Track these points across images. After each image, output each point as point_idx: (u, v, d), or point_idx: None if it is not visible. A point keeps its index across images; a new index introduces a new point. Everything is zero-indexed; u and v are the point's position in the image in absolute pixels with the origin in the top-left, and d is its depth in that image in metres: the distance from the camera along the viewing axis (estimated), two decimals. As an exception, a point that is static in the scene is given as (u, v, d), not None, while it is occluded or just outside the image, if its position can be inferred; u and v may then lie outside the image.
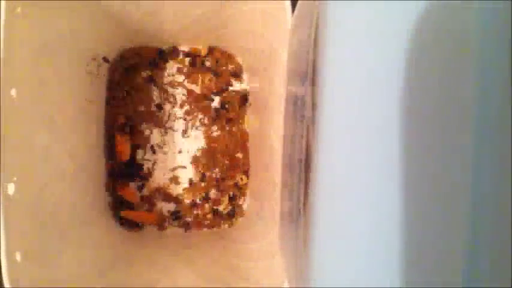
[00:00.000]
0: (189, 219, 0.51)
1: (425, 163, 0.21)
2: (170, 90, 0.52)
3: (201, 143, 0.52)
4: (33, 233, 0.35)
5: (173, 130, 0.52)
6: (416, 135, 0.21)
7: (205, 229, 0.51)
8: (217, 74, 0.52)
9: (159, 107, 0.51)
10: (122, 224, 0.49)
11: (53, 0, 0.37)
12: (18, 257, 0.32)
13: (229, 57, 0.52)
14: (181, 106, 0.52)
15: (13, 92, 0.33)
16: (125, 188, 0.50)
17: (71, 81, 0.42)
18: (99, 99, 0.49)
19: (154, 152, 0.51)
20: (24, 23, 0.34)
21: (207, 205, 0.52)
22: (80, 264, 0.40)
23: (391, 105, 0.21)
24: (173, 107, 0.52)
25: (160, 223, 0.51)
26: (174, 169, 0.51)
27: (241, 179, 0.52)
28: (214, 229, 0.52)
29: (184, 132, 0.52)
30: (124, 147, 0.50)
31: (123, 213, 0.49)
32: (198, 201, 0.51)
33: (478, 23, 0.21)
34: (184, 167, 0.52)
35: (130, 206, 0.50)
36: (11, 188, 0.33)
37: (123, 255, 0.45)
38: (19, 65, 0.34)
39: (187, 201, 0.51)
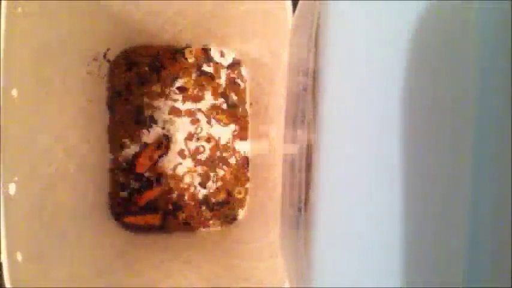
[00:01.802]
0: (192, 216, 0.51)
1: (425, 163, 0.21)
2: (172, 90, 0.52)
3: (202, 141, 0.52)
4: (34, 233, 0.35)
5: (175, 129, 0.52)
6: (416, 135, 0.21)
7: (208, 226, 0.52)
8: (217, 74, 0.52)
9: (161, 107, 0.51)
10: (126, 228, 0.50)
11: (54, 0, 0.37)
12: (19, 257, 0.32)
13: (230, 57, 0.52)
14: (183, 105, 0.52)
15: (14, 92, 0.33)
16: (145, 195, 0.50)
17: (72, 81, 0.42)
18: (100, 100, 0.49)
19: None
20: (25, 23, 0.34)
21: (209, 200, 0.52)
22: (80, 264, 0.40)
23: (392, 104, 0.21)
24: (174, 106, 0.52)
25: (164, 223, 0.51)
26: (175, 167, 0.51)
27: (242, 176, 0.52)
28: (216, 227, 0.52)
29: (185, 131, 0.52)
30: (145, 161, 0.50)
31: (127, 220, 0.49)
32: (199, 198, 0.52)
33: (478, 23, 0.21)
34: (187, 166, 0.52)
35: (133, 210, 0.50)
36: (12, 188, 0.33)
37: (123, 255, 0.45)
38: (20, 65, 0.34)
39: (188, 197, 0.52)
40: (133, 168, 0.50)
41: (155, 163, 0.51)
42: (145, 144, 0.51)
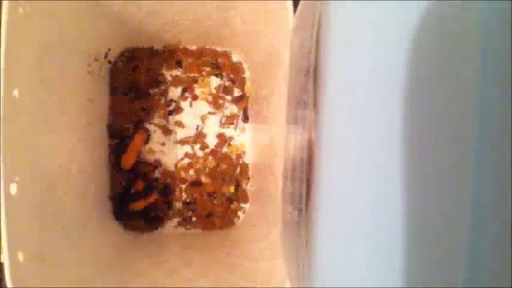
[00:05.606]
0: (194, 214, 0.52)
1: (426, 163, 0.21)
2: (173, 90, 0.52)
3: (203, 140, 0.52)
4: (35, 233, 0.35)
5: (176, 128, 0.52)
6: (417, 135, 0.21)
7: (210, 227, 0.52)
8: (219, 74, 0.52)
9: (162, 106, 0.52)
10: (126, 226, 0.50)
11: (55, 0, 0.37)
12: (20, 257, 0.32)
13: (231, 57, 0.52)
14: (184, 102, 0.52)
15: (15, 92, 0.33)
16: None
17: (73, 81, 0.42)
18: (101, 100, 0.49)
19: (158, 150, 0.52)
20: (26, 23, 0.34)
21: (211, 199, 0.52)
22: (80, 263, 0.40)
23: (392, 104, 0.21)
24: (176, 105, 0.52)
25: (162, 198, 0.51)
26: (176, 167, 0.52)
27: (244, 176, 0.52)
28: (217, 227, 0.52)
29: (188, 129, 0.52)
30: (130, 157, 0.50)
31: (133, 205, 0.49)
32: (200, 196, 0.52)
33: (478, 23, 0.21)
34: (188, 164, 0.52)
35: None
36: (13, 188, 0.33)
37: (124, 255, 0.45)
38: (21, 65, 0.34)
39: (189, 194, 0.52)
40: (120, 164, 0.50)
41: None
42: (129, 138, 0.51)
